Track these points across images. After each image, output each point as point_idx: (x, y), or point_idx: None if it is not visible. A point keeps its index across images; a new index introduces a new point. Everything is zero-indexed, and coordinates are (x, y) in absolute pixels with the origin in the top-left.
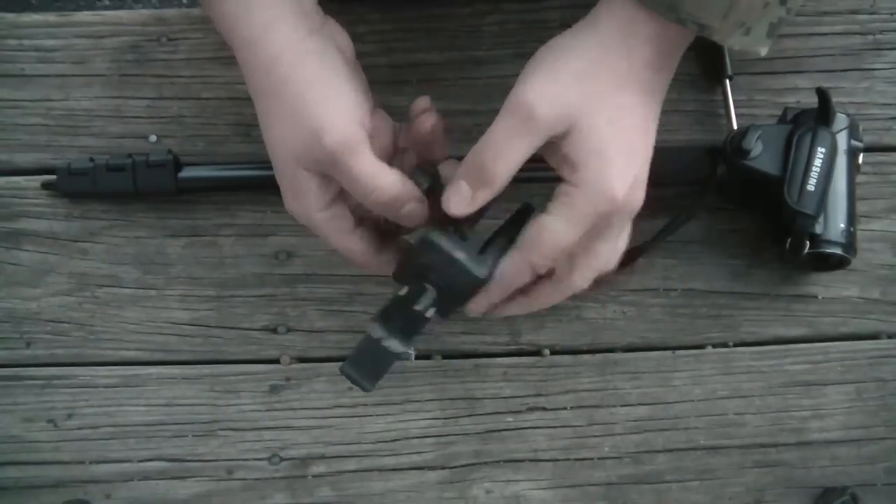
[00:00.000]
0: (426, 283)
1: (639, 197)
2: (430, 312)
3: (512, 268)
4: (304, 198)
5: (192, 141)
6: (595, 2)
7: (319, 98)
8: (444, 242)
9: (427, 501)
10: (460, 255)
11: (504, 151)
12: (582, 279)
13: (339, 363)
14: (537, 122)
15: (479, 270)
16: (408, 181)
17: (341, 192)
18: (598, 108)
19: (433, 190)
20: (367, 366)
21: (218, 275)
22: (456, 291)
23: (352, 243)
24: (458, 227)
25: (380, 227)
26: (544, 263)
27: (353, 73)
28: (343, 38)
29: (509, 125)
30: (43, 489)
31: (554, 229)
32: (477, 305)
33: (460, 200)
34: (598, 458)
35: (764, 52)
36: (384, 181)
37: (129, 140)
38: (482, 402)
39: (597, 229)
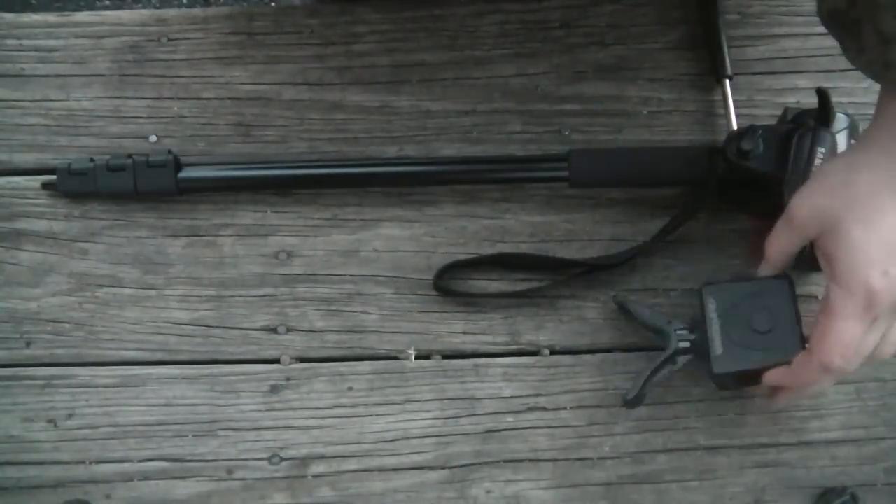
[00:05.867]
0: (691, 335)
1: None
2: (675, 364)
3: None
4: None
5: (192, 141)
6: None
7: None
8: (713, 313)
9: (427, 501)
10: (716, 341)
11: (774, 242)
12: (850, 366)
13: (341, 363)
14: (794, 223)
15: (719, 364)
16: None
17: None
18: (855, 212)
19: None
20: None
21: (218, 275)
22: (699, 358)
23: None
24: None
25: None
26: (831, 360)
27: None
28: None
29: (781, 223)
30: (43, 489)
31: (838, 329)
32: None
33: (761, 270)
34: (598, 458)
35: None
36: None
37: (129, 140)
38: (482, 402)
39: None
